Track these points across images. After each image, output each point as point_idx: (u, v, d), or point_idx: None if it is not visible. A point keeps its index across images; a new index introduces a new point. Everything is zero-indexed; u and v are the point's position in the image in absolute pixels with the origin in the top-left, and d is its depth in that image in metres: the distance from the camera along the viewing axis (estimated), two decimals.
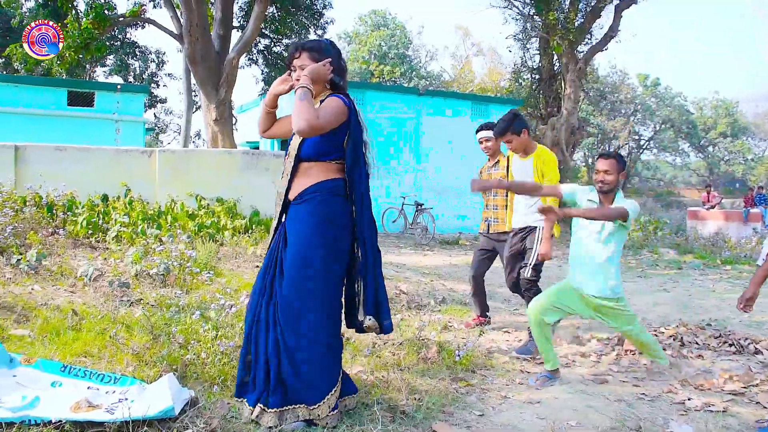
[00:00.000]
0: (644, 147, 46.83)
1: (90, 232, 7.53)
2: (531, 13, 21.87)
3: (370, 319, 3.18)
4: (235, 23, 18.05)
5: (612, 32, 19.95)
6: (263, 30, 19.73)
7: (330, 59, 3.15)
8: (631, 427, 3.40)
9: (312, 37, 20.80)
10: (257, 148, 19.18)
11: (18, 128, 16.56)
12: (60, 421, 2.80)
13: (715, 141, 47.49)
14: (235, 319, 4.39)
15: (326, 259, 3.07)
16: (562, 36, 19.53)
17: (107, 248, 7.12)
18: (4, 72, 26.64)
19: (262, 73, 23.43)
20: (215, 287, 5.76)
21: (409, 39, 43.27)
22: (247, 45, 15.34)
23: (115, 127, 18.39)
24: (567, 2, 20.76)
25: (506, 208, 5.44)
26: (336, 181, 3.14)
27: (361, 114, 3.25)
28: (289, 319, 3.03)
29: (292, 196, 3.17)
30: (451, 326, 5.59)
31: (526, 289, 5.03)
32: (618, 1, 19.88)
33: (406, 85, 37.25)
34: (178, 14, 14.80)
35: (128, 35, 29.84)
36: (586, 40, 20.92)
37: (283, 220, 3.25)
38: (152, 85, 32.50)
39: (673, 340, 5.30)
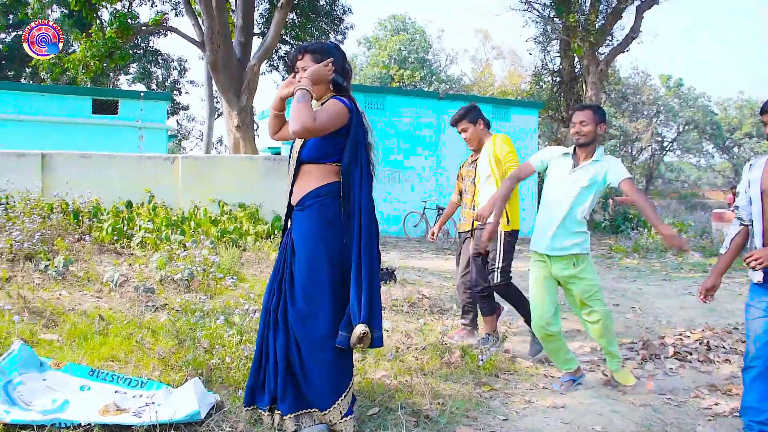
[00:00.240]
0: (667, 148, 46.28)
1: (115, 238, 7.63)
2: (551, 16, 21.76)
3: (361, 327, 2.92)
4: (256, 30, 18.19)
5: (633, 33, 19.77)
6: (284, 36, 19.85)
7: (332, 59, 3.16)
8: None
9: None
10: (278, 153, 19.28)
11: (44, 136, 16.81)
12: (89, 424, 2.85)
13: (740, 141, 46.79)
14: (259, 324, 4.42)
15: (332, 264, 3.05)
16: (582, 38, 19.41)
17: (132, 254, 7.21)
18: (31, 81, 27.12)
19: (283, 79, 23.50)
20: (239, 292, 5.81)
21: (428, 43, 43.21)
22: (268, 51, 15.45)
23: (139, 134, 18.56)
24: (588, 4, 20.62)
25: (474, 210, 5.20)
26: (337, 184, 3.13)
27: (366, 116, 3.23)
28: (299, 325, 3.04)
29: (294, 200, 3.17)
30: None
31: (500, 294, 4.90)
32: (639, 2, 19.71)
33: (426, 89, 37.21)
34: (200, 22, 14.94)
35: (151, 43, 30.23)
36: (607, 41, 20.75)
37: (289, 225, 3.26)
38: (174, 92, 32.82)
39: (700, 344, 5.24)
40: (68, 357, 3.73)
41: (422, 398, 3.61)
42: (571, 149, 4.00)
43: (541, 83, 25.18)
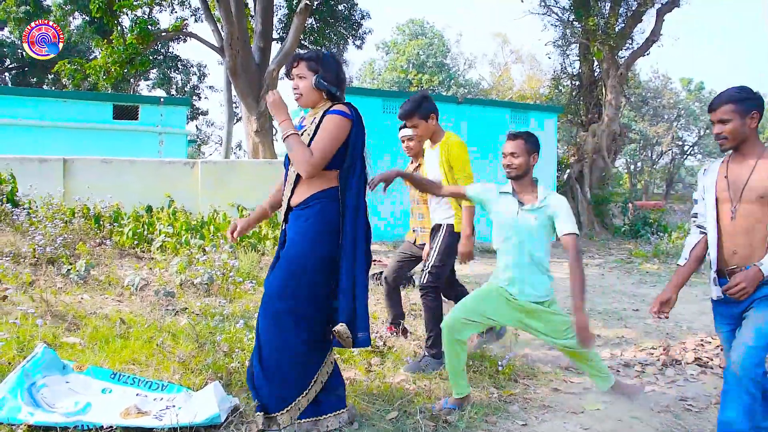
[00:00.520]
0: (688, 153, 45.83)
1: (135, 242, 7.71)
2: (570, 19, 21.65)
3: (341, 326, 3.00)
4: (275, 35, 18.28)
5: (654, 36, 19.61)
6: (302, 41, 19.93)
7: (315, 75, 3.16)
8: None
9: (351, 47, 20.94)
10: None
11: (66, 142, 17.03)
12: (111, 426, 2.89)
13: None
14: None
15: (319, 266, 3.07)
16: (602, 41, 19.29)
17: (152, 258, 7.28)
18: (53, 87, 27.48)
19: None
20: (258, 296, 5.83)
21: (447, 47, 43.20)
22: (286, 56, 15.51)
23: (159, 140, 18.76)
24: (607, 7, 20.48)
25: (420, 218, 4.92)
26: (336, 189, 3.15)
27: (362, 120, 3.22)
28: (268, 316, 3.08)
29: (294, 202, 3.19)
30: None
31: (423, 296, 4.51)
32: (660, 5, 19.55)
33: (444, 93, 37.20)
34: (219, 28, 15.07)
35: (171, 49, 30.50)
36: (627, 45, 20.58)
37: (284, 227, 3.29)
38: (194, 97, 33.10)
39: (721, 350, 5.18)
40: (90, 360, 3.78)
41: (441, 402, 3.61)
42: (509, 187, 3.62)
43: (560, 87, 25.03)
